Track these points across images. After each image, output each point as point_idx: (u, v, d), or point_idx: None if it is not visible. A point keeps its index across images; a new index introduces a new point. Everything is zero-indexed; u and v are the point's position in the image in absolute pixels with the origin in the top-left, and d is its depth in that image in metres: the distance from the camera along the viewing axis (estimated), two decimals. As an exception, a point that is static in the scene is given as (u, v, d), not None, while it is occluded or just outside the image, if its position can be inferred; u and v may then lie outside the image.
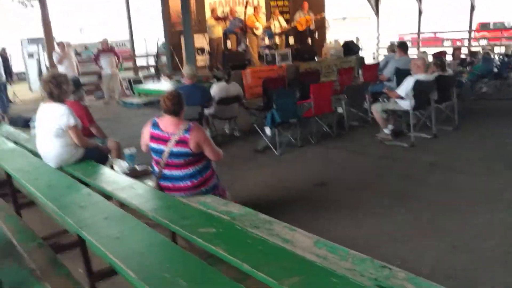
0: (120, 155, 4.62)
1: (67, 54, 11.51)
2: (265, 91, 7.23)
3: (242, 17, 12.48)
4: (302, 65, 11.57)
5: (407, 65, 6.83)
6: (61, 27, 21.94)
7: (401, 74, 6.91)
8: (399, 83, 6.58)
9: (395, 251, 3.35)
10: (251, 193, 4.81)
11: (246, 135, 7.31)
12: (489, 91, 9.76)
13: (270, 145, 6.31)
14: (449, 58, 10.98)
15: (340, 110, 7.28)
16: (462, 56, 10.77)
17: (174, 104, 3.24)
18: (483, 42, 20.39)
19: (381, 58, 11.99)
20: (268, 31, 12.90)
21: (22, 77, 17.27)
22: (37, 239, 2.84)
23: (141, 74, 13.74)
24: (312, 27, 13.36)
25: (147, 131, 3.34)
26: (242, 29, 12.04)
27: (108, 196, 3.14)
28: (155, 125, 3.30)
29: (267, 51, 12.07)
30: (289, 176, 5.40)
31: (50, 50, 12.44)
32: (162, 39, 15.10)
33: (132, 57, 15.25)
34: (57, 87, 3.92)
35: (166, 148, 3.20)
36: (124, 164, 4.11)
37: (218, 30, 11.64)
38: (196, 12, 12.52)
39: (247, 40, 12.20)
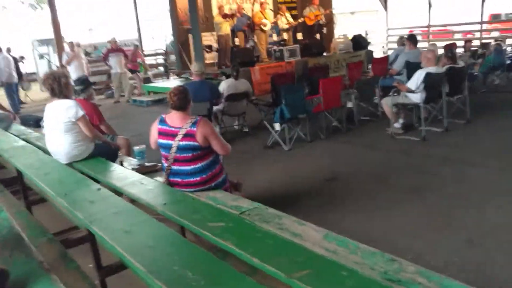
0: (130, 152, 4.64)
1: (77, 54, 11.59)
2: (274, 87, 7.20)
3: (249, 14, 12.47)
4: (311, 60, 11.54)
5: (417, 58, 6.75)
6: (71, 28, 22.09)
7: (411, 67, 6.83)
8: (409, 76, 6.50)
9: (407, 245, 3.30)
10: (261, 188, 4.79)
11: (255, 131, 7.30)
12: (501, 83, 9.60)
13: (280, 141, 6.29)
14: (460, 50, 10.83)
15: (349, 104, 7.22)
16: (473, 48, 10.60)
17: (180, 99, 3.26)
18: (495, 33, 20.08)
19: (390, 52, 11.88)
20: (276, 27, 12.87)
21: (33, 78, 17.43)
22: (47, 234, 2.86)
23: (150, 72, 13.78)
24: (322, 21, 13.28)
25: (155, 128, 3.35)
26: (250, 26, 12.02)
27: (118, 192, 3.14)
28: (163, 121, 3.32)
29: (275, 47, 12.06)
30: (299, 171, 5.37)
31: (60, 50, 12.55)
32: (170, 38, 15.15)
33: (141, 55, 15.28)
34: (55, 81, 3.94)
35: (174, 143, 3.20)
36: (133, 161, 4.13)
37: (225, 28, 11.64)
38: (203, 10, 12.53)
39: (255, 37, 12.19)
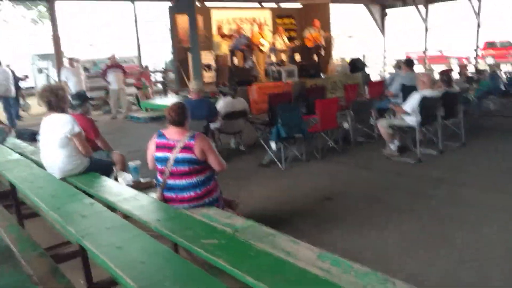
0: (125, 168, 4.62)
1: (76, 70, 11.65)
2: (271, 106, 7.24)
3: (248, 34, 12.61)
4: (308, 81, 11.62)
5: (413, 82, 6.83)
6: (71, 43, 22.29)
7: (407, 90, 6.90)
8: (405, 99, 6.57)
9: (401, 265, 3.29)
10: (256, 206, 4.77)
11: (251, 149, 7.30)
12: (496, 108, 9.71)
13: (276, 160, 6.29)
14: (455, 75, 10.96)
15: (346, 125, 7.26)
16: (469, 73, 10.74)
17: (179, 115, 3.31)
18: (490, 60, 20.39)
19: (387, 75, 12.01)
20: (272, 48, 13.02)
21: (32, 92, 17.48)
22: (38, 248, 2.82)
23: (148, 89, 13.84)
24: (321, 44, 13.44)
25: (152, 143, 3.38)
26: (249, 46, 12.15)
27: (112, 208, 3.12)
28: (161, 135, 3.36)
29: (273, 68, 12.16)
30: (295, 190, 5.36)
31: (59, 65, 12.61)
32: (169, 56, 15.27)
33: (140, 73, 15.37)
34: (53, 94, 3.94)
35: (171, 155, 3.22)
36: (128, 177, 4.12)
37: (224, 47, 11.75)
38: (203, 30, 12.67)
39: (254, 57, 12.30)
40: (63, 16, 15.72)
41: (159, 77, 17.24)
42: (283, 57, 13.27)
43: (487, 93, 9.34)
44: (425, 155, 6.27)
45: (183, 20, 12.64)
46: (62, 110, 4.01)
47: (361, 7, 20.98)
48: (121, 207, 3.08)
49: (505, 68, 14.61)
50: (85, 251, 2.55)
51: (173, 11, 12.89)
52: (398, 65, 9.02)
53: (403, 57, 14.06)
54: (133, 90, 14.11)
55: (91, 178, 3.93)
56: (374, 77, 15.90)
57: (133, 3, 14.63)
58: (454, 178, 5.37)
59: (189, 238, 2.39)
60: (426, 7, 19.44)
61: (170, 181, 3.27)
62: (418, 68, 11.30)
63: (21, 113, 13.53)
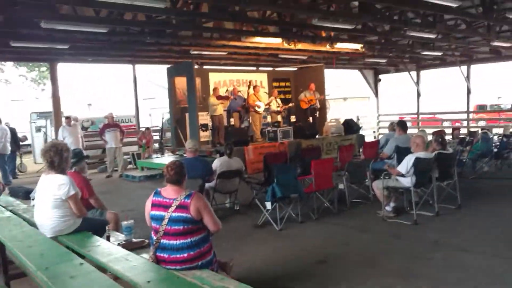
0: (118, 227, 4.56)
1: (74, 128, 11.78)
2: (266, 166, 7.28)
3: (245, 95, 12.94)
4: (303, 142, 11.78)
5: (407, 143, 6.92)
6: (70, 102, 22.66)
7: (401, 152, 6.97)
8: (399, 160, 6.62)
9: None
10: (250, 269, 4.67)
11: (246, 209, 7.24)
12: (490, 170, 9.78)
13: (271, 220, 6.22)
14: (448, 137, 11.14)
15: (341, 186, 7.26)
16: (461, 135, 10.94)
17: (177, 173, 3.35)
18: (482, 123, 20.79)
19: (381, 137, 12.18)
20: (268, 109, 13.31)
21: (28, 150, 17.53)
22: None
23: (142, 148, 13.91)
24: (316, 106, 13.77)
25: (149, 201, 3.37)
26: (245, 107, 12.42)
27: (102, 268, 3.05)
28: (158, 194, 3.37)
29: (269, 128, 12.37)
30: (289, 252, 5.26)
31: (58, 124, 12.78)
32: (167, 115, 15.51)
33: (137, 131, 15.55)
34: (57, 155, 3.95)
35: (166, 214, 3.20)
36: (120, 236, 4.05)
37: (219, 109, 11.99)
38: (201, 91, 12.99)
39: (250, 117, 12.53)
40: (63, 75, 16.07)
41: (155, 135, 17.38)
42: (279, 118, 13.53)
43: (480, 156, 9.45)
44: (421, 216, 6.23)
45: (181, 81, 12.99)
46: (62, 171, 4.02)
47: (355, 72, 21.71)
48: (112, 267, 3.01)
49: (495, 131, 14.87)
50: (72, 314, 2.46)
51: (172, 73, 13.27)
52: (391, 127, 9.17)
53: (396, 119, 14.39)
54: (129, 148, 14.19)
55: (82, 237, 3.86)
56: (368, 138, 16.13)
57: (133, 65, 15.07)
58: (450, 241, 5.30)
59: (180, 301, 2.32)
60: (418, 73, 20.16)
61: (164, 241, 3.22)
62: (411, 131, 11.50)
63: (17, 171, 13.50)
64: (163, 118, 16.51)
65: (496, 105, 26.08)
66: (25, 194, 6.40)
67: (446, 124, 21.17)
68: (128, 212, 7.08)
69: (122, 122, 15.80)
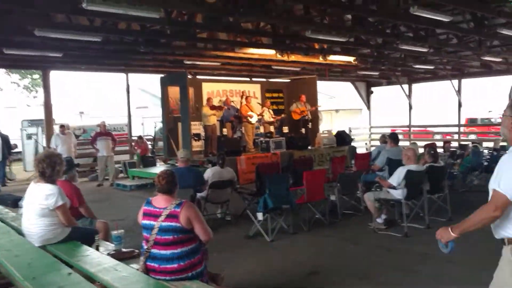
0: (108, 237, 4.52)
1: (68, 137, 11.70)
2: (259, 176, 7.27)
3: (238, 106, 12.96)
4: (296, 153, 11.79)
5: (399, 156, 6.96)
6: (62, 110, 22.56)
7: (392, 164, 7.01)
8: (391, 172, 6.65)
9: None
10: (241, 280, 4.63)
11: (237, 220, 7.21)
12: (480, 183, 9.84)
13: (262, 231, 6.20)
14: (439, 150, 11.22)
15: (333, 197, 7.26)
16: (452, 148, 11.03)
17: (168, 183, 3.32)
18: (472, 136, 21.00)
19: (373, 149, 12.24)
20: (260, 119, 13.34)
21: (18, 158, 17.36)
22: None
23: (136, 157, 13.85)
24: (308, 117, 13.83)
25: (141, 211, 3.36)
26: (238, 118, 12.43)
27: (91, 278, 3.01)
28: (149, 203, 3.35)
29: (261, 139, 12.38)
30: (280, 263, 5.24)
31: (49, 132, 12.70)
32: (159, 124, 15.48)
33: (129, 140, 15.50)
34: (50, 166, 3.92)
35: (156, 223, 3.18)
36: (110, 246, 4.01)
37: (213, 118, 12.00)
38: (194, 101, 12.99)
39: (243, 128, 12.54)
40: (55, 83, 16.02)
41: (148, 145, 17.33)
42: (271, 128, 13.55)
43: (470, 169, 9.52)
44: (412, 229, 6.24)
45: (174, 91, 12.99)
46: (52, 181, 3.98)
47: (347, 84, 21.87)
48: (101, 277, 2.98)
49: (485, 144, 15.00)
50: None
51: (165, 82, 13.27)
52: (383, 139, 9.22)
53: (388, 132, 14.51)
54: (121, 157, 14.12)
55: (71, 246, 3.82)
56: (360, 150, 16.19)
57: (126, 74, 15.06)
58: (440, 254, 5.27)
59: (169, 313, 2.30)
60: (410, 86, 20.35)
61: (154, 251, 3.19)
62: (402, 143, 11.58)
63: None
64: (155, 127, 16.48)
65: (486, 118, 26.34)
66: (14, 202, 6.32)
67: (437, 137, 21.33)
68: (118, 221, 6.99)
69: (114, 130, 15.72)
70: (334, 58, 12.69)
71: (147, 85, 30.20)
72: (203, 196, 6.86)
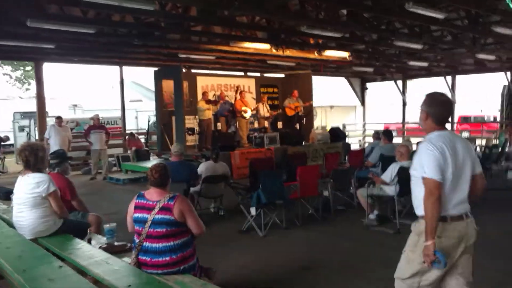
0: (100, 230, 4.50)
1: (64, 129, 11.61)
2: (252, 172, 7.26)
3: (232, 100, 12.92)
4: (290, 148, 11.79)
5: (392, 152, 6.98)
6: (55, 103, 22.41)
7: (386, 161, 7.03)
8: (384, 169, 6.67)
9: None
10: (233, 275, 4.63)
11: (231, 214, 7.20)
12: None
13: (255, 226, 6.20)
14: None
15: (326, 193, 7.27)
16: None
17: (161, 176, 3.32)
18: (465, 134, 21.11)
19: (366, 145, 12.28)
20: (254, 114, 13.32)
21: (11, 150, 17.23)
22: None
23: (129, 151, 13.81)
24: (301, 113, 13.84)
25: (132, 204, 3.34)
26: (232, 112, 12.40)
27: (82, 271, 3.00)
28: (141, 196, 3.33)
29: (256, 134, 12.37)
30: (273, 258, 5.25)
31: (42, 124, 12.59)
32: (153, 118, 15.41)
33: (123, 134, 15.42)
34: (32, 154, 3.90)
35: (149, 216, 3.18)
36: (102, 239, 4.00)
37: (208, 113, 11.96)
38: (188, 95, 12.93)
39: (237, 123, 12.52)
40: (48, 75, 15.88)
41: (141, 138, 17.25)
42: (266, 124, 13.54)
43: (463, 166, 9.55)
44: (404, 225, 6.24)
45: (168, 84, 12.92)
46: (39, 170, 3.96)
47: (342, 80, 21.89)
48: (92, 271, 2.97)
49: (478, 142, 15.10)
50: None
51: (159, 76, 13.20)
52: (377, 135, 9.24)
53: (382, 128, 14.58)
54: (114, 151, 14.05)
55: (63, 239, 3.80)
56: (354, 146, 16.23)
57: (120, 67, 14.96)
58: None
59: (161, 307, 2.29)
60: (404, 82, 20.41)
61: (146, 244, 3.19)
62: (396, 140, 11.61)
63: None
64: (149, 121, 16.41)
65: (479, 116, 26.52)
66: (6, 195, 6.28)
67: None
68: (111, 215, 6.98)
69: (108, 124, 15.64)
70: (329, 53, 12.68)
71: (140, 79, 30.10)
72: (197, 190, 6.85)
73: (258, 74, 16.52)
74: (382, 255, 5.24)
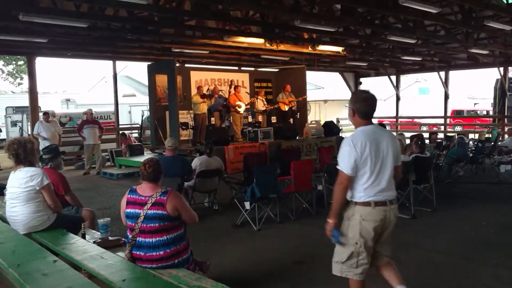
0: (94, 225, 4.49)
1: (52, 124, 11.56)
2: (246, 166, 7.27)
3: (226, 95, 12.90)
4: (284, 143, 11.80)
5: (385, 146, 7.00)
6: (48, 97, 22.26)
7: (379, 154, 7.05)
8: (377, 162, 6.70)
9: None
10: (227, 268, 4.65)
11: (225, 209, 7.22)
12: (465, 174, 9.99)
13: (249, 220, 6.22)
14: (426, 141, 11.33)
15: (319, 187, 7.29)
16: (438, 140, 11.14)
17: (154, 171, 3.31)
18: (458, 128, 21.23)
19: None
20: (252, 110, 13.30)
21: (2, 145, 17.13)
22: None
23: (123, 145, 13.76)
24: (295, 108, 13.85)
25: (124, 199, 3.33)
26: (226, 107, 12.38)
27: (77, 266, 3.00)
28: (133, 191, 3.32)
29: (250, 128, 12.36)
30: (267, 252, 5.27)
31: (34, 119, 12.50)
32: (146, 113, 15.35)
33: (116, 128, 15.36)
34: (21, 147, 3.87)
35: (142, 211, 3.17)
36: (96, 234, 4.00)
37: (203, 107, 11.94)
38: (182, 89, 12.89)
39: (231, 117, 12.51)
40: (41, 70, 15.77)
41: (135, 133, 17.20)
42: (260, 118, 13.54)
43: (456, 160, 9.64)
44: (397, 219, 6.30)
45: (162, 79, 12.87)
46: (30, 163, 3.93)
47: (336, 75, 21.89)
48: (86, 265, 2.97)
49: (471, 136, 15.19)
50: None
51: (153, 70, 13.14)
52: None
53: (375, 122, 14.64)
54: (108, 146, 13.99)
55: (56, 234, 3.79)
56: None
57: (113, 61, 14.87)
58: (425, 243, 5.39)
59: (155, 300, 2.30)
60: (398, 77, 20.46)
61: (140, 239, 3.19)
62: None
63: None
64: (142, 116, 16.35)
65: (472, 111, 26.67)
66: (-1, 190, 6.25)
67: (424, 128, 21.54)
68: (104, 210, 6.97)
69: (101, 119, 15.57)
70: (322, 48, 12.67)
71: (133, 73, 29.93)
72: (191, 185, 6.85)
73: (252, 69, 16.49)
74: (375, 249, 5.28)
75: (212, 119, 12.40)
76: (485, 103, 29.10)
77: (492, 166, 10.08)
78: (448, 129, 19.88)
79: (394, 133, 17.14)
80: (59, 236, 3.73)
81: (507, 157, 9.86)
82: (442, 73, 18.63)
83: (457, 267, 4.59)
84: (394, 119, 21.25)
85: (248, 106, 13.05)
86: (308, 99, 14.99)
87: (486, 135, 14.13)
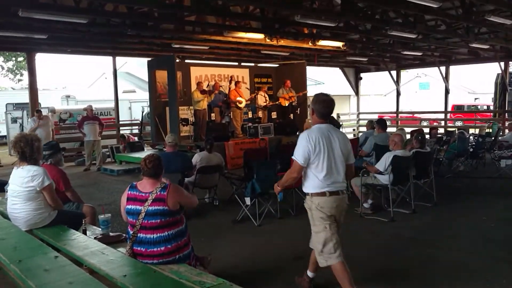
0: (95, 221, 4.51)
1: (44, 122, 11.55)
2: (247, 162, 7.27)
3: (226, 91, 12.89)
4: (284, 138, 11.80)
5: (386, 141, 7.01)
6: (48, 94, 22.24)
7: (380, 150, 7.06)
8: (378, 158, 6.70)
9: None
10: (228, 264, 4.66)
11: (225, 204, 7.22)
12: (465, 169, 9.99)
13: (250, 216, 6.23)
14: (426, 136, 11.32)
15: (320, 183, 7.28)
16: (439, 135, 11.13)
17: (155, 167, 3.31)
18: (459, 123, 21.21)
19: (360, 135, 12.31)
20: (252, 105, 13.30)
21: (3, 142, 17.13)
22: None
23: (122, 146, 13.75)
24: (295, 103, 13.84)
25: (124, 196, 3.33)
26: (226, 103, 12.37)
27: (78, 262, 3.01)
28: (133, 187, 3.32)
29: (250, 124, 12.36)
30: (267, 248, 5.28)
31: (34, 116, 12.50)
32: (147, 109, 15.34)
33: (116, 125, 15.36)
34: (28, 145, 3.87)
35: (143, 208, 3.17)
36: (97, 230, 4.01)
37: (203, 103, 11.93)
38: (182, 85, 12.88)
39: (231, 113, 12.50)
40: (41, 66, 15.74)
41: (135, 129, 17.21)
42: (261, 114, 13.54)
43: (456, 155, 9.64)
44: (398, 214, 6.32)
45: (162, 75, 12.85)
46: (35, 161, 3.93)
47: (336, 70, 21.86)
48: (87, 261, 2.98)
49: (471, 131, 15.18)
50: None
51: (153, 66, 13.12)
52: (371, 125, 9.27)
53: (376, 118, 14.60)
54: (108, 142, 14.00)
55: (58, 230, 3.80)
56: (348, 136, 16.23)
57: (113, 57, 14.85)
58: (426, 238, 5.40)
59: (156, 296, 2.31)
60: (398, 72, 20.43)
61: (141, 235, 3.20)
62: (390, 129, 11.66)
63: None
64: (143, 112, 16.34)
65: (473, 105, 26.64)
66: (0, 186, 6.25)
67: (424, 123, 21.52)
68: (105, 206, 6.98)
69: (101, 115, 15.56)
70: (323, 43, 12.65)
71: (133, 69, 29.89)
72: (191, 181, 6.85)
73: (252, 64, 16.47)
74: (376, 244, 5.30)
75: (212, 115, 12.40)
76: (485, 98, 29.09)
77: (492, 161, 10.07)
78: (449, 124, 19.87)
79: (395, 128, 17.15)
80: (60, 232, 3.75)
81: (507, 152, 9.86)
82: (443, 68, 18.60)
83: (458, 261, 4.59)
84: (395, 114, 21.24)
85: (249, 102, 13.04)
86: (308, 94, 14.96)
87: (487, 130, 14.10)
